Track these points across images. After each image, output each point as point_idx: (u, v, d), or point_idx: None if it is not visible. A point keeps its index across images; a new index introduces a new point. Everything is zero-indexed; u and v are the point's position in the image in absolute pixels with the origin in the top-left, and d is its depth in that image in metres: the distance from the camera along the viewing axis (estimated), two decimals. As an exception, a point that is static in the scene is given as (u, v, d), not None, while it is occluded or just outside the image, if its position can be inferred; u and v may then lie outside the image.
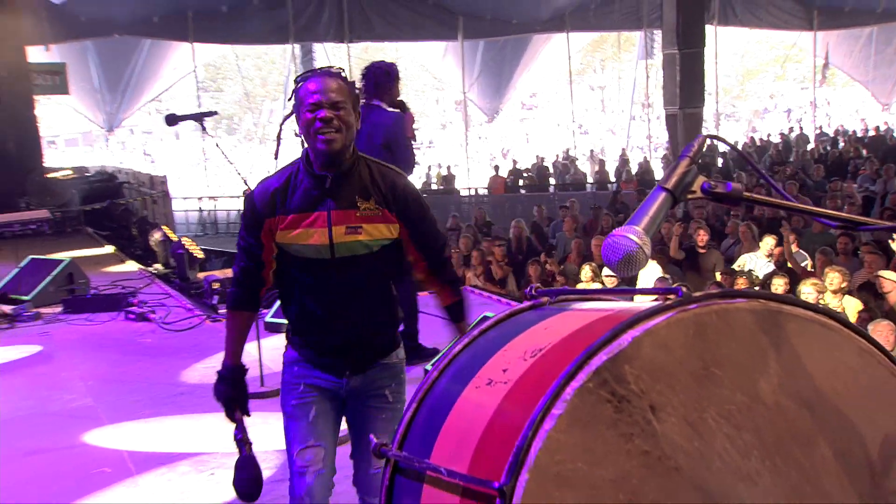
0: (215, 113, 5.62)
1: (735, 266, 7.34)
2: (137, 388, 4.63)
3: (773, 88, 32.63)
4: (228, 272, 6.71)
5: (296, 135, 2.11)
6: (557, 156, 21.27)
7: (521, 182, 18.57)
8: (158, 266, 7.92)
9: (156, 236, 8.19)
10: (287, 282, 2.17)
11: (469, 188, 19.02)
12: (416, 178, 4.49)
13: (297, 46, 18.46)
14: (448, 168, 20.15)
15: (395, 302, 2.25)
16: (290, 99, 2.08)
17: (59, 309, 6.51)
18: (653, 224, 1.04)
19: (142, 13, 16.19)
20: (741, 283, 6.38)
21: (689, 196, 1.11)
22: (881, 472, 1.12)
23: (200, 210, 17.82)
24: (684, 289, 1.09)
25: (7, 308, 6.26)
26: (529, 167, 19.82)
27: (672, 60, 13.09)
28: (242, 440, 2.11)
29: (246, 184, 3.92)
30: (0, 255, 7.37)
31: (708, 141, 1.19)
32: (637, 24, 20.33)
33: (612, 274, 6.04)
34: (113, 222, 10.89)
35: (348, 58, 18.23)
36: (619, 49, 26.53)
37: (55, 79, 13.98)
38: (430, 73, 25.26)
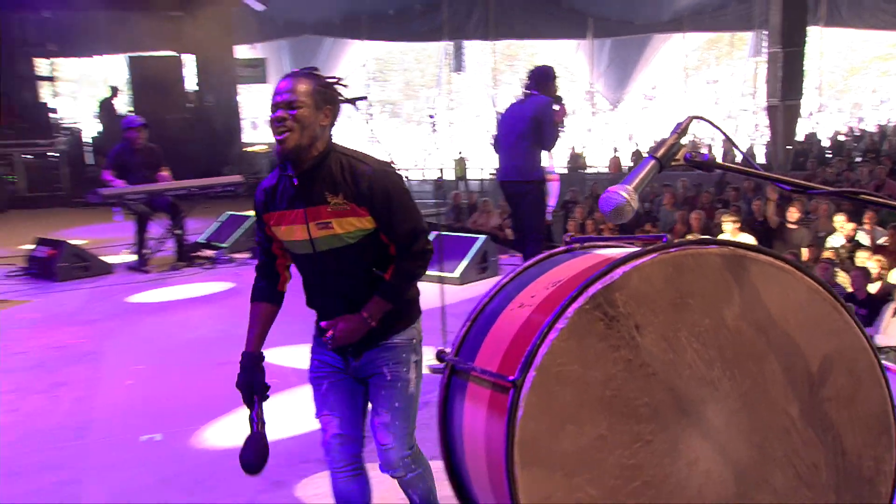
0: (365, 98, 6.25)
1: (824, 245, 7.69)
2: (302, 319, 5.11)
3: (876, 84, 33.47)
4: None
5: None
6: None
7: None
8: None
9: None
10: (297, 270, 2.29)
11: (593, 167, 21.01)
12: (547, 158, 5.57)
13: (450, 43, 22.26)
14: (573, 149, 21.59)
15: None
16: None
17: (248, 255, 8.20)
18: (641, 184, 1.32)
19: (326, 16, 20.93)
20: (825, 255, 6.73)
21: (673, 163, 1.38)
22: (818, 383, 1.41)
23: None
24: (668, 237, 1.37)
25: (210, 252, 8.13)
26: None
27: (775, 58, 14.74)
28: (254, 419, 2.22)
29: (391, 161, 4.31)
30: (205, 212, 9.17)
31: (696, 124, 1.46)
32: (748, 25, 21.67)
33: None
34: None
35: (493, 53, 22.41)
36: (732, 47, 27.73)
37: (256, 71, 17.55)
38: (562, 66, 27.05)
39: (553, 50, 24.98)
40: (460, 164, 18.57)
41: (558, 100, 5.72)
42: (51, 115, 15.00)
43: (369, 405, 2.27)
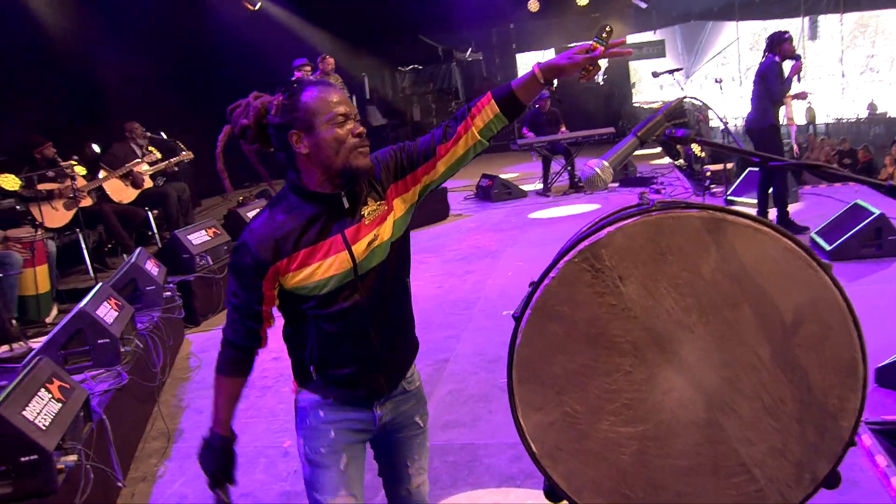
0: (680, 69, 9.48)
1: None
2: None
3: None
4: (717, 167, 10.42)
5: (290, 152, 1.90)
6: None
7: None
8: (681, 161, 11.62)
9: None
10: (298, 323, 2.00)
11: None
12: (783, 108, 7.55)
13: (806, 18, 24.04)
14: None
15: (410, 302, 2.14)
16: (287, 110, 1.88)
17: (617, 185, 11.23)
18: (617, 159, 1.58)
19: (708, 4, 24.68)
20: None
21: (653, 139, 1.61)
22: (791, 331, 1.62)
23: (736, 125, 23.36)
24: (656, 202, 1.63)
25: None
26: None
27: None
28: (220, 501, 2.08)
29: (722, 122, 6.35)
30: (587, 153, 11.49)
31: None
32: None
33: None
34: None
35: (840, 24, 23.97)
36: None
37: (656, 48, 22.38)
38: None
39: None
40: (810, 111, 22.21)
41: (795, 58, 7.15)
42: None
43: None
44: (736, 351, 1.62)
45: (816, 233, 6.92)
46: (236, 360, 2.01)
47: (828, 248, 6.56)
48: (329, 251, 1.91)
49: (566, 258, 1.62)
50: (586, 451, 1.65)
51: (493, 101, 1.89)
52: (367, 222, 1.94)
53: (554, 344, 1.64)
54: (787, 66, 7.25)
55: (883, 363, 4.23)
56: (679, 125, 1.62)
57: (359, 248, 1.92)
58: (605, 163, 1.57)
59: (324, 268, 1.90)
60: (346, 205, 1.92)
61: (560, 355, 1.64)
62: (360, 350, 2.00)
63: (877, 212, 6.40)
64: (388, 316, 2.02)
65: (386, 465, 2.21)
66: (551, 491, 1.68)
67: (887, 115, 23.39)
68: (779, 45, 7.18)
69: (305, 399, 2.06)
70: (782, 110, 7.47)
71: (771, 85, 7.21)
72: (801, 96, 7.93)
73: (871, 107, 23.73)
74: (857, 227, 6.40)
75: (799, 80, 7.30)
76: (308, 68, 10.03)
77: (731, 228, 1.62)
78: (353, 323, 1.97)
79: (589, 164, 1.57)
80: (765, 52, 7.34)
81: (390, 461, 2.18)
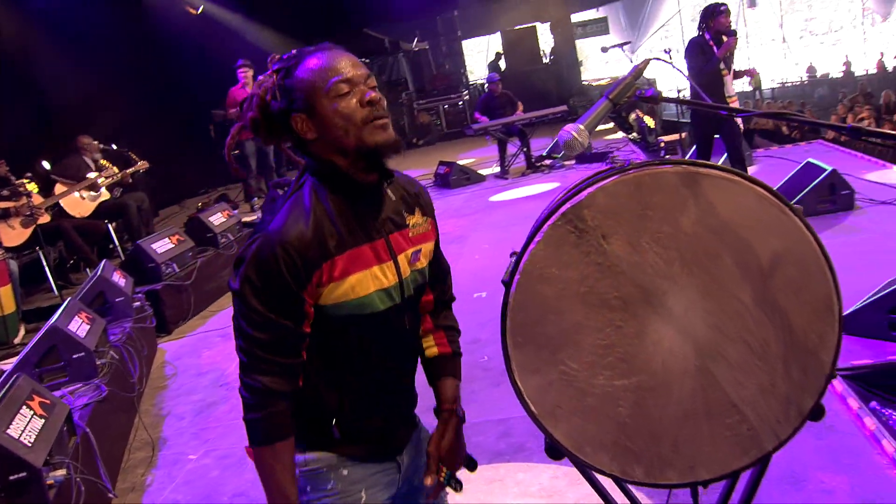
0: (628, 42, 9.36)
1: None
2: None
3: None
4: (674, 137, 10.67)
5: (300, 140, 1.58)
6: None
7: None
8: (634, 135, 11.64)
9: (632, 115, 11.23)
10: (316, 364, 1.59)
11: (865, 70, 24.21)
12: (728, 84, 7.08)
13: None
14: (846, 56, 25.71)
15: None
16: (284, 91, 1.55)
17: (573, 162, 11.46)
18: (592, 122, 1.63)
19: None
20: None
21: (624, 100, 1.67)
22: (769, 275, 1.69)
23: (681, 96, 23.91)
24: (632, 162, 1.68)
25: (548, 162, 11.43)
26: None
27: None
28: None
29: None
30: (541, 133, 12.77)
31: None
32: None
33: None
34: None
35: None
36: None
37: (599, 26, 23.02)
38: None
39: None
40: (756, 79, 24.67)
41: (731, 34, 6.69)
42: (463, 75, 21.84)
43: None
44: (720, 299, 1.69)
45: None
46: (283, 415, 1.53)
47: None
48: (374, 258, 1.57)
49: (550, 221, 1.67)
50: (585, 408, 1.70)
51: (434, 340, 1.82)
52: (411, 234, 1.66)
53: (545, 306, 1.69)
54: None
55: (847, 311, 4.38)
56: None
57: (403, 260, 1.63)
58: (581, 126, 1.62)
59: (368, 279, 1.56)
60: (393, 197, 1.64)
61: (552, 316, 1.69)
62: (396, 395, 1.71)
63: (829, 168, 6.60)
64: (415, 350, 1.77)
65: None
66: (553, 449, 1.74)
67: (830, 77, 24.26)
68: (713, 19, 6.77)
69: (321, 459, 1.63)
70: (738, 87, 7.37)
71: (690, 62, 6.84)
72: (749, 73, 7.53)
73: (811, 69, 24.65)
74: (812, 184, 6.59)
75: (729, 57, 6.82)
76: (250, 71, 9.85)
77: (706, 181, 1.68)
78: (394, 360, 1.67)
79: (566, 128, 1.63)
80: (699, 27, 6.96)
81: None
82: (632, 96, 1.66)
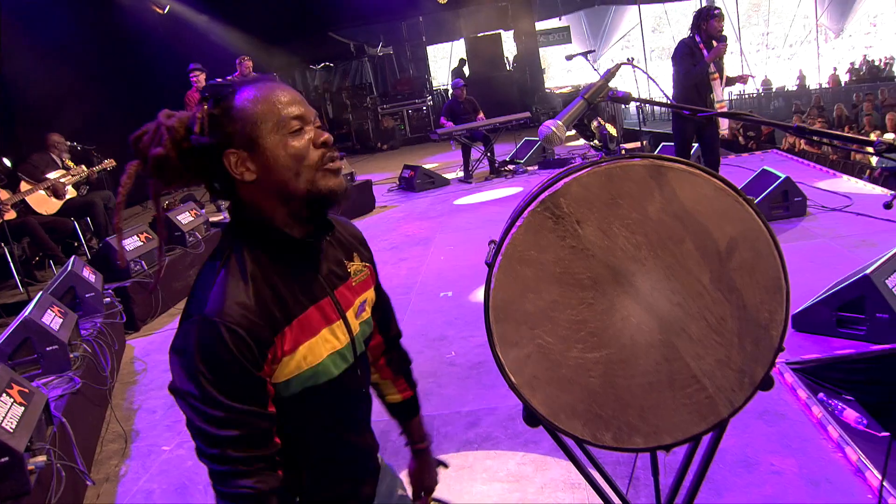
0: (592, 51, 9.44)
1: None
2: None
3: None
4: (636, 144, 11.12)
5: (230, 182, 1.39)
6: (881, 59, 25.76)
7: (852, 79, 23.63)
8: (596, 142, 11.71)
9: (594, 123, 11.59)
10: (281, 440, 1.38)
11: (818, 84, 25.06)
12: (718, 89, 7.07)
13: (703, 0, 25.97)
14: (800, 70, 26.11)
15: None
16: (217, 123, 1.35)
17: (536, 167, 12.06)
18: (569, 119, 1.80)
19: None
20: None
21: (598, 100, 1.84)
22: (726, 258, 1.87)
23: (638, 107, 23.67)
24: (603, 156, 1.85)
25: (511, 167, 11.96)
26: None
27: None
28: None
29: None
30: (505, 139, 13.45)
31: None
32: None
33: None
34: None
35: (736, 2, 26.20)
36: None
37: (562, 34, 24.29)
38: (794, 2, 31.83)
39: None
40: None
41: (721, 39, 6.66)
42: (427, 81, 22.38)
43: None
44: (682, 279, 1.86)
45: None
46: (280, 497, 1.34)
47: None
48: (322, 320, 1.43)
49: (530, 208, 1.83)
50: (560, 378, 1.86)
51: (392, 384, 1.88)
52: (354, 283, 1.54)
53: (525, 285, 1.84)
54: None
55: (797, 310, 4.63)
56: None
57: (351, 316, 1.51)
58: (560, 122, 1.79)
59: (319, 345, 1.41)
60: (331, 245, 1.51)
61: (531, 294, 1.84)
62: (357, 453, 1.59)
63: (783, 176, 6.90)
64: (369, 399, 1.64)
65: None
66: (530, 416, 1.89)
67: (785, 89, 25.02)
68: (706, 22, 6.66)
69: None
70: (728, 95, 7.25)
71: (677, 65, 6.85)
72: (741, 80, 7.17)
73: (766, 83, 25.36)
74: (767, 191, 6.88)
75: (720, 62, 6.79)
76: (202, 75, 9.56)
77: (671, 173, 1.85)
78: (352, 420, 1.55)
79: (545, 124, 1.79)
80: (691, 28, 6.84)
81: None
82: (605, 96, 1.83)
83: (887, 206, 1.73)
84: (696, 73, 6.68)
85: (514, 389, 1.88)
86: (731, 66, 6.83)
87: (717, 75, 6.74)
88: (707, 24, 6.64)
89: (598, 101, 1.85)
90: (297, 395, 1.39)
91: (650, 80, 2.10)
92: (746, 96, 23.36)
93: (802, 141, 13.57)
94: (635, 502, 3.17)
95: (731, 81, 7.05)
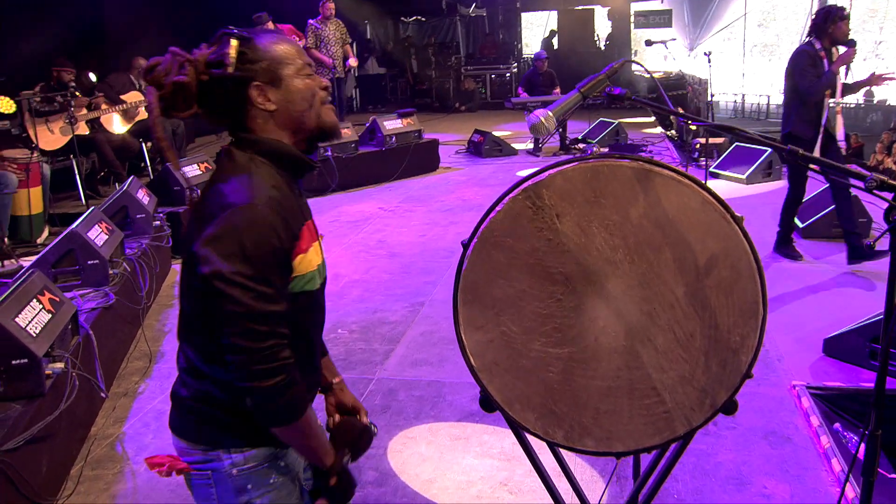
0: (673, 39, 9.88)
1: None
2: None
3: None
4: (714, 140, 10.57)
5: (245, 112, 1.58)
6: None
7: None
8: (672, 132, 12.32)
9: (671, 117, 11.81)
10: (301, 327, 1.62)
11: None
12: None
13: None
14: None
15: None
16: (245, 59, 1.54)
17: (606, 149, 11.17)
18: (561, 111, 1.77)
19: None
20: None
21: (594, 94, 1.80)
22: (703, 274, 1.83)
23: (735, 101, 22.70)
24: (594, 152, 1.82)
25: (582, 145, 11.81)
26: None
27: None
28: None
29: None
30: (579, 116, 13.50)
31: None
32: None
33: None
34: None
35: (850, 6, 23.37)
36: None
37: (663, 17, 22.68)
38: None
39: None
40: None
41: (850, 44, 5.62)
42: (516, 47, 22.49)
43: None
44: (656, 288, 1.83)
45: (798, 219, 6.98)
46: (305, 390, 1.56)
47: (801, 225, 6.80)
48: (314, 234, 1.64)
49: (511, 195, 1.82)
50: (519, 368, 1.87)
51: None
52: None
53: (496, 270, 1.84)
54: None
55: (830, 335, 4.48)
56: (679, 97, 1.81)
57: (319, 241, 1.72)
58: (550, 113, 1.77)
59: (314, 253, 1.61)
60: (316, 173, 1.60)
61: (501, 280, 1.85)
62: (318, 373, 1.82)
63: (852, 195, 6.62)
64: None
65: None
66: (486, 401, 1.90)
67: (886, 103, 23.72)
68: (833, 24, 5.61)
69: (259, 455, 1.61)
70: (839, 119, 5.73)
71: (797, 79, 5.68)
72: (876, 82, 5.79)
73: (868, 94, 24.11)
74: (830, 208, 6.63)
75: (847, 72, 5.75)
76: (269, 24, 9.46)
77: (658, 179, 1.81)
78: (319, 338, 1.76)
79: (535, 112, 1.77)
80: (810, 33, 5.74)
81: None
82: (601, 91, 1.80)
83: (870, 247, 1.65)
84: (821, 87, 5.63)
85: (472, 372, 1.89)
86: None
87: (829, 92, 5.69)
88: (835, 27, 5.61)
89: (594, 96, 1.82)
90: (294, 295, 1.54)
91: (651, 79, 2.04)
92: (845, 106, 22.38)
93: (890, 159, 12.92)
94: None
95: (848, 89, 5.92)
